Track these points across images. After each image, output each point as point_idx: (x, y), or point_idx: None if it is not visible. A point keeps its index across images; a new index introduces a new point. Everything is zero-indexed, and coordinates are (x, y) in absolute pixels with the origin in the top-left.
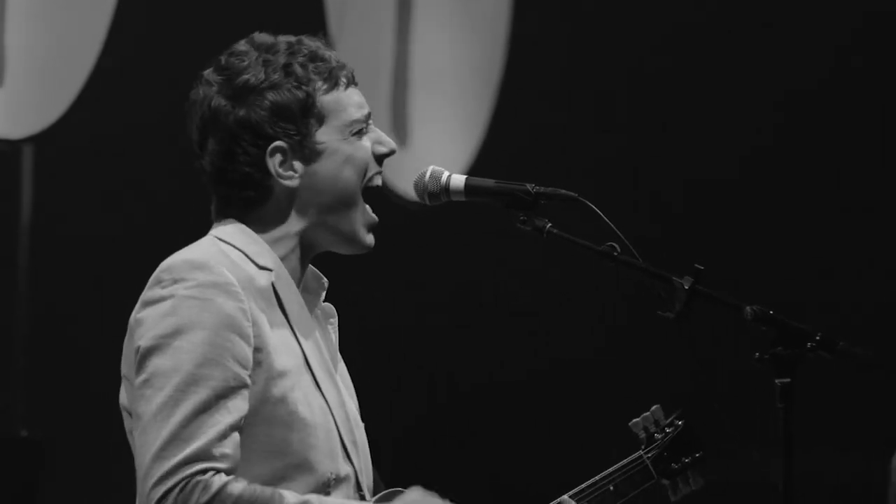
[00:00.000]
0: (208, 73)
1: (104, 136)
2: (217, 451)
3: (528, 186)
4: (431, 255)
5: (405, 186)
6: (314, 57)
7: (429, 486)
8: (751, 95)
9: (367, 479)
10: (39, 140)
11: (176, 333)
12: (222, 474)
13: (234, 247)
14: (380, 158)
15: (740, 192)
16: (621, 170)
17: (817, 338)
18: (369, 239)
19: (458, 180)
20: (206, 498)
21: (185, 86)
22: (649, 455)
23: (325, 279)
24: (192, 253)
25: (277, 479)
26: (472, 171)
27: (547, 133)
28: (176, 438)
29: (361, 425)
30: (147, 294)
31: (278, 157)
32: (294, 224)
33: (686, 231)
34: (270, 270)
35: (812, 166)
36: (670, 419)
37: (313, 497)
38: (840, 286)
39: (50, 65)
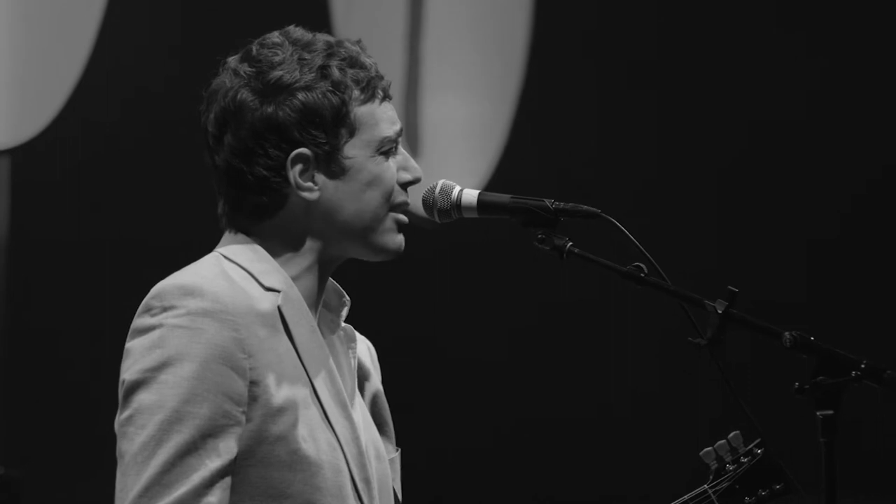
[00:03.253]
0: (235, 61)
1: (84, 150)
2: (201, 499)
3: (547, 202)
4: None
5: (413, 202)
6: (353, 63)
7: None
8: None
9: None
10: (17, 153)
11: (162, 367)
12: None
13: (238, 265)
14: (404, 186)
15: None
16: (654, 182)
17: (862, 366)
18: (399, 242)
19: (471, 196)
20: None
21: (169, 101)
22: (717, 488)
23: (347, 297)
24: (185, 276)
25: None
26: (489, 186)
27: (569, 147)
28: (156, 484)
29: (385, 457)
30: (136, 322)
31: (300, 167)
32: (309, 239)
33: (711, 249)
34: (278, 292)
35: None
36: (748, 448)
37: None
38: None
39: (32, 78)
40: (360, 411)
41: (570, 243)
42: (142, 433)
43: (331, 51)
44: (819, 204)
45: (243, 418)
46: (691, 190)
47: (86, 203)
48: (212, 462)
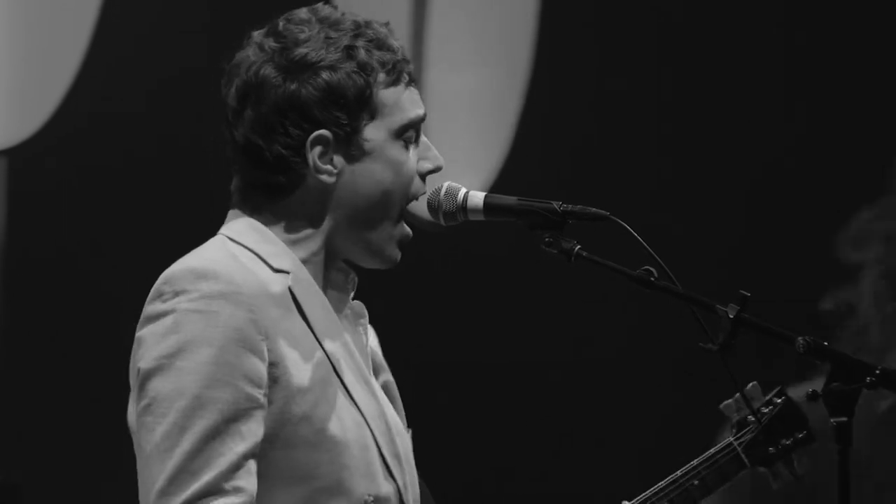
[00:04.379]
0: (260, 36)
1: (81, 151)
2: (229, 484)
3: (555, 204)
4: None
5: (418, 204)
6: (381, 45)
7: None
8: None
9: (412, 495)
10: (14, 154)
11: (178, 353)
12: None
13: (245, 247)
14: (423, 176)
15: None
16: (658, 190)
17: (877, 371)
18: (397, 254)
19: (477, 198)
20: None
21: (168, 101)
22: (741, 441)
23: (354, 274)
24: (195, 260)
25: None
26: (493, 189)
27: (577, 152)
28: (182, 472)
29: (406, 434)
30: (147, 309)
31: (319, 149)
32: (320, 224)
33: (719, 253)
34: (287, 273)
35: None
36: (769, 397)
37: None
38: None
39: (29, 77)
40: (380, 388)
41: (579, 246)
42: (163, 422)
43: (358, 31)
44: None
45: (265, 401)
46: (702, 192)
47: (84, 204)
48: (237, 446)
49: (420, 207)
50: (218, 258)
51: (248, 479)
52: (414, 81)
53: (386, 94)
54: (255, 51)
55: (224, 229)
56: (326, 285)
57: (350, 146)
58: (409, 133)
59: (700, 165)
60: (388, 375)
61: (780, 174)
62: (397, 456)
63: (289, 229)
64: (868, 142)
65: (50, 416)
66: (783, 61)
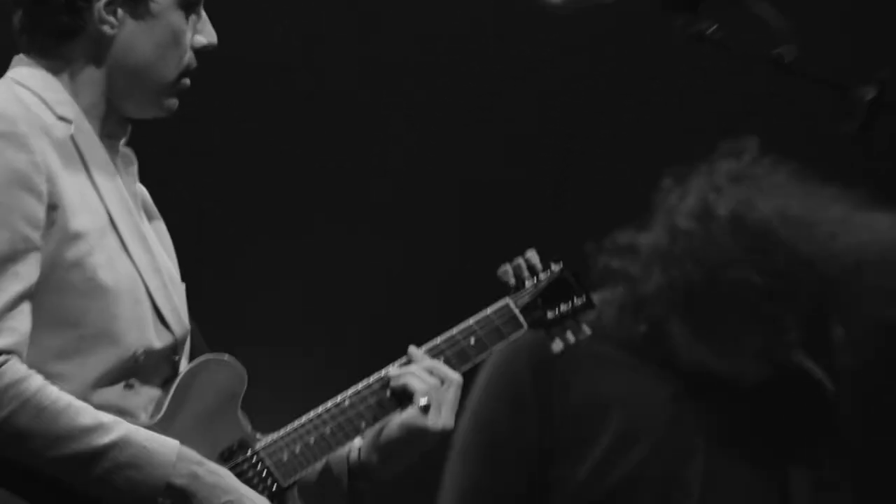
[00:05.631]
0: None
1: None
2: (3, 324)
3: None
4: None
5: None
6: None
7: None
8: None
9: (187, 346)
10: None
11: None
12: (14, 358)
13: (30, 91)
14: (197, 50)
15: None
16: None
17: None
18: (171, 106)
19: None
20: None
21: None
22: (518, 302)
23: (129, 125)
24: None
25: (72, 352)
26: None
27: None
28: None
29: (181, 287)
30: None
31: None
32: (99, 75)
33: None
34: (70, 122)
35: None
36: (546, 264)
37: (109, 420)
38: None
39: None
40: (155, 238)
41: (714, 27)
42: None
43: None
44: None
45: (42, 243)
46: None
47: None
48: (11, 286)
49: None
50: (3, 98)
51: (21, 320)
52: None
53: None
54: None
55: (10, 73)
56: (103, 133)
57: (137, 3)
58: (193, 3)
59: None
60: (160, 223)
61: None
62: (175, 310)
63: (72, 76)
64: None
65: None
66: None
